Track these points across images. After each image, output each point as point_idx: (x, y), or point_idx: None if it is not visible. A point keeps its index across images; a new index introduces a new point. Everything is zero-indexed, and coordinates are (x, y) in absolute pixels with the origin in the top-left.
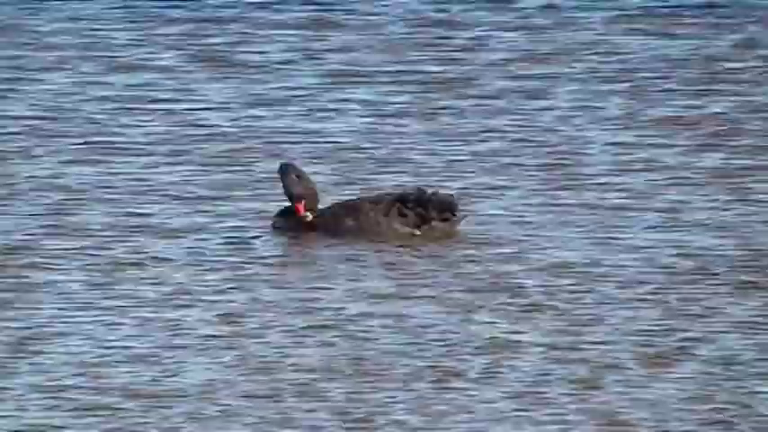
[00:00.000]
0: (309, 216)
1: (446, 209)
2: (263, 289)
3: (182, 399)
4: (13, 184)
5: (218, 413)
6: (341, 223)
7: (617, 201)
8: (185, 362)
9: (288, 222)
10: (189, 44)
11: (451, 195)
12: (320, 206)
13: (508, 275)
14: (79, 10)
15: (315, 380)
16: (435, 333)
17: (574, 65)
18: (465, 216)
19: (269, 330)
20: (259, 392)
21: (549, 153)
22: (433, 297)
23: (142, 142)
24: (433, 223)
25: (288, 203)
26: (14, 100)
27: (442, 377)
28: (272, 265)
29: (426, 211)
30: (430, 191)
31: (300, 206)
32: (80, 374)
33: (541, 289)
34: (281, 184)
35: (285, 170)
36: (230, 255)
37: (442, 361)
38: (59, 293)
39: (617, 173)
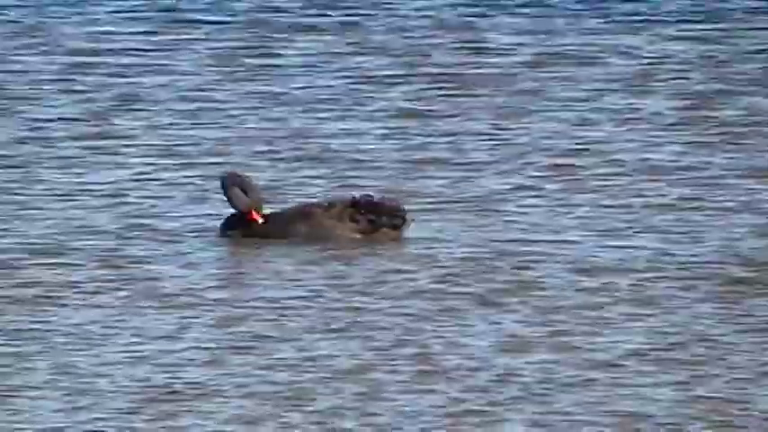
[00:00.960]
0: (261, 219)
1: (396, 215)
2: (269, 289)
3: (200, 400)
4: (32, 187)
5: (236, 414)
6: (293, 228)
7: (634, 201)
8: (196, 362)
9: (237, 230)
10: (207, 47)
11: (399, 202)
12: (268, 210)
13: (526, 275)
14: (98, 12)
15: (333, 379)
16: (452, 334)
17: (590, 68)
18: (413, 221)
19: (283, 330)
20: (279, 393)
21: (565, 155)
22: (447, 296)
23: (157, 144)
24: (383, 229)
25: (233, 211)
26: (32, 105)
27: (458, 378)
28: (284, 264)
29: (377, 217)
30: (377, 197)
31: (255, 215)
32: (103, 375)
33: (560, 289)
34: (225, 197)
35: (226, 182)
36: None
37: (461, 362)
38: (78, 294)
39: (633, 173)
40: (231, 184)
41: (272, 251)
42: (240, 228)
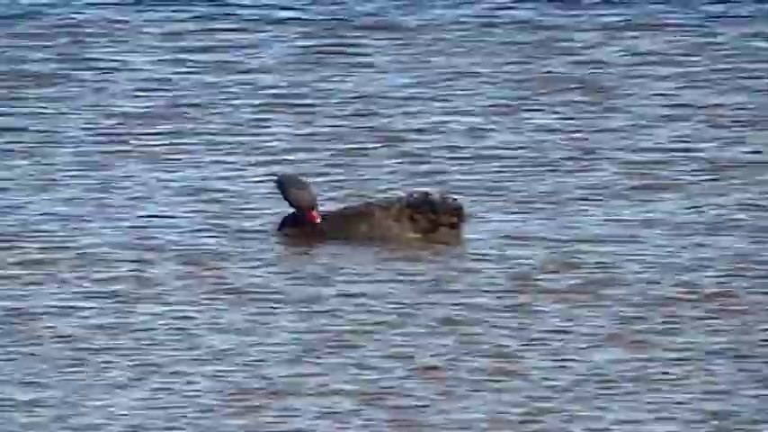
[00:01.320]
0: (319, 219)
1: (455, 214)
2: (343, 287)
3: (283, 397)
4: (115, 183)
5: (320, 411)
6: (352, 229)
7: (716, 200)
8: (278, 359)
9: (296, 229)
10: (290, 45)
11: (457, 200)
12: (327, 209)
13: (605, 272)
14: (180, 11)
15: (413, 377)
16: (529, 331)
17: (671, 66)
18: (471, 219)
19: (361, 328)
20: (361, 390)
21: (645, 151)
22: (523, 294)
23: (238, 141)
24: (442, 229)
25: (291, 210)
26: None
27: (537, 376)
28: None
29: (437, 217)
30: (436, 195)
31: (314, 214)
32: (185, 372)
33: (640, 286)
34: (284, 197)
35: (284, 183)
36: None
37: (540, 360)
38: (159, 290)
39: (714, 171)
40: (288, 184)
41: (339, 250)
42: (298, 227)
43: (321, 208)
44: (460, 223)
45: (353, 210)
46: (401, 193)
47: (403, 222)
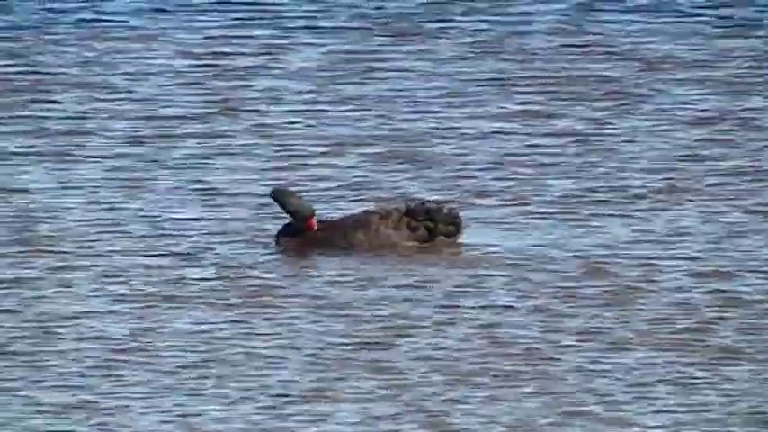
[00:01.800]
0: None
1: (451, 223)
2: (360, 292)
3: (313, 403)
4: (145, 187)
5: (350, 417)
6: (350, 237)
7: (741, 204)
8: (307, 366)
9: (294, 239)
10: (318, 51)
11: (455, 209)
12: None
13: (632, 277)
14: (213, 18)
15: (448, 381)
16: (556, 334)
17: (695, 71)
18: (467, 228)
19: (389, 332)
20: (394, 396)
21: (670, 158)
22: (546, 298)
23: (265, 145)
24: (439, 237)
25: (288, 221)
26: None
27: (568, 377)
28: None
29: (435, 225)
30: (432, 205)
31: (314, 221)
32: (219, 376)
33: (666, 292)
34: (283, 208)
35: (281, 195)
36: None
37: (571, 361)
38: (192, 295)
39: (737, 176)
40: (286, 195)
41: (356, 258)
42: (298, 236)
43: (328, 214)
44: (458, 233)
45: (352, 218)
46: (401, 202)
47: (401, 231)
